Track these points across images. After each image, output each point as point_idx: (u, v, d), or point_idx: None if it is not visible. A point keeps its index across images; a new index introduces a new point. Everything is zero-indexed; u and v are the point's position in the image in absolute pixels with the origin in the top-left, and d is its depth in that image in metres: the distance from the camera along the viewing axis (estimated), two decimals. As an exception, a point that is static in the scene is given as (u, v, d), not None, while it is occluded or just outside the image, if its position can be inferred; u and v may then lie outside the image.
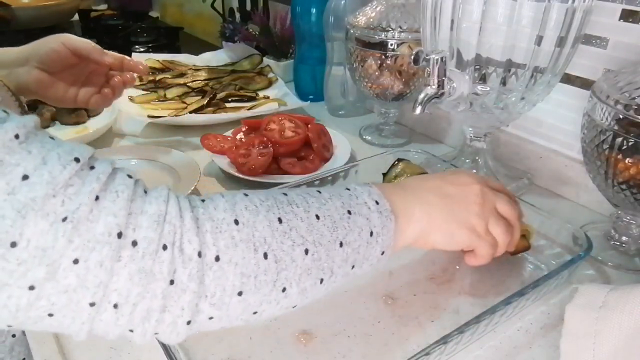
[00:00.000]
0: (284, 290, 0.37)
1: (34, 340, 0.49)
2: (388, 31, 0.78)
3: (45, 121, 0.89)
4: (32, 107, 0.91)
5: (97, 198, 0.30)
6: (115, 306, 0.31)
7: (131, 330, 0.33)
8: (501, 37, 0.59)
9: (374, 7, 0.81)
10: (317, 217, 0.38)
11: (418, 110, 0.59)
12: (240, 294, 0.34)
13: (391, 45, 0.78)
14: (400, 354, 0.47)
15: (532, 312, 0.53)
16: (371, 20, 0.80)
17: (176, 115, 0.94)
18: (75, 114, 0.91)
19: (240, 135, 0.83)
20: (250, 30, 1.28)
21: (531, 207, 0.61)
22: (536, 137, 0.77)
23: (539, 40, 0.58)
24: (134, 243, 0.31)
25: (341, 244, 0.39)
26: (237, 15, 1.44)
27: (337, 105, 1.02)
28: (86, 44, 0.69)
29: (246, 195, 0.38)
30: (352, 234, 0.40)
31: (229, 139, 0.82)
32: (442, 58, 0.58)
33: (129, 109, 0.97)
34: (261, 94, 1.07)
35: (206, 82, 1.09)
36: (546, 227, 0.60)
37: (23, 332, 0.61)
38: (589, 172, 0.59)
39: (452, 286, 0.56)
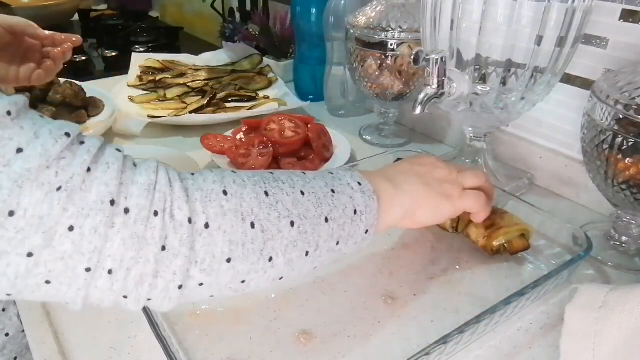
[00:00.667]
0: (270, 259, 0.38)
1: (34, 340, 0.49)
2: (388, 31, 0.78)
3: (45, 121, 0.89)
4: (33, 107, 0.91)
5: (88, 169, 0.31)
6: (110, 272, 0.32)
7: (125, 297, 0.34)
8: (501, 37, 0.59)
9: (374, 7, 0.81)
10: (302, 193, 0.40)
11: (418, 110, 0.59)
12: (229, 260, 0.35)
13: (391, 45, 0.78)
14: (400, 354, 0.47)
15: (532, 312, 0.53)
16: (371, 20, 0.80)
17: (176, 115, 0.94)
18: (75, 114, 0.91)
19: (240, 135, 0.83)
20: (250, 30, 1.28)
21: (531, 207, 0.61)
22: (536, 137, 0.77)
23: (539, 40, 0.58)
24: (126, 210, 0.32)
25: (326, 220, 0.40)
26: (237, 15, 1.44)
27: (337, 105, 1.02)
28: (19, 20, 0.70)
29: (234, 172, 0.39)
30: (337, 211, 0.41)
31: (229, 139, 0.82)
32: (442, 58, 0.58)
33: (129, 109, 0.97)
34: (261, 94, 1.07)
35: (206, 82, 1.09)
36: (546, 227, 0.60)
37: (21, 331, 0.61)
38: (589, 172, 0.59)
39: (452, 286, 0.56)
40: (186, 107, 0.98)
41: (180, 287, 0.34)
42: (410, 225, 0.49)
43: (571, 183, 0.72)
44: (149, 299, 0.34)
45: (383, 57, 0.79)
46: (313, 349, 0.47)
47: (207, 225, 0.34)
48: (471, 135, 0.74)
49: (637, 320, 0.41)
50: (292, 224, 0.38)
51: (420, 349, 0.42)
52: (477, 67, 0.63)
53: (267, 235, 0.37)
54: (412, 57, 0.59)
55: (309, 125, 0.82)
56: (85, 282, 0.32)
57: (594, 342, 0.42)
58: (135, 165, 0.35)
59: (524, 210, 0.61)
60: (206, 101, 0.99)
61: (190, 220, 0.34)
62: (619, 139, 0.52)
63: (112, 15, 1.73)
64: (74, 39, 0.75)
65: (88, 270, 0.31)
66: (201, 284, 0.35)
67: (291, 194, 0.39)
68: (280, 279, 0.40)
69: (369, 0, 0.84)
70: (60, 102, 0.92)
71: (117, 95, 1.02)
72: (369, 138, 0.91)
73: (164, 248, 0.33)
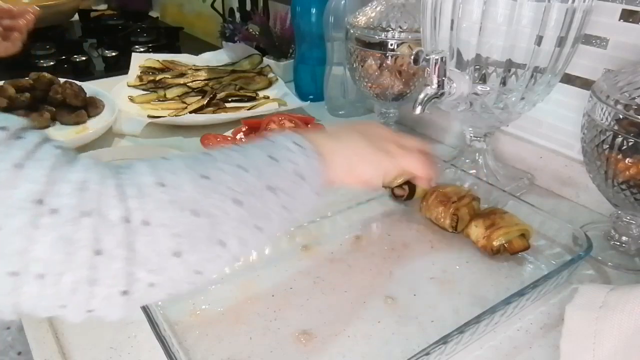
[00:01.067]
0: (222, 244, 0.36)
1: (34, 340, 0.49)
2: (388, 31, 0.78)
3: (45, 121, 0.89)
4: (33, 107, 0.91)
5: (20, 166, 0.29)
6: (40, 277, 0.30)
7: (63, 306, 0.31)
8: (501, 37, 0.59)
9: (374, 7, 0.81)
10: (241, 167, 0.38)
11: (418, 110, 0.59)
12: (177, 255, 0.33)
13: (391, 45, 0.78)
14: (400, 354, 0.47)
15: (532, 312, 0.53)
16: (371, 20, 0.80)
17: (176, 115, 0.94)
18: (75, 114, 0.91)
19: (240, 135, 0.83)
20: (250, 30, 1.28)
21: (531, 207, 0.61)
22: (536, 137, 0.77)
23: (539, 40, 0.58)
24: (54, 211, 0.29)
25: (271, 189, 0.39)
26: (237, 15, 1.44)
27: (337, 105, 1.01)
28: None
29: (166, 159, 0.37)
30: (279, 178, 0.40)
31: (229, 139, 0.82)
32: (442, 58, 0.58)
33: (129, 109, 0.97)
34: (261, 94, 1.07)
35: (206, 82, 1.09)
36: (546, 227, 0.60)
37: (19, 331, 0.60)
38: (589, 172, 0.59)
39: (452, 286, 0.56)
40: (186, 107, 0.98)
41: (124, 292, 0.32)
42: (353, 182, 0.47)
43: (571, 183, 0.72)
44: (90, 310, 0.32)
45: (383, 57, 0.79)
46: (313, 349, 0.47)
47: (145, 222, 0.32)
48: (471, 135, 0.74)
49: (637, 320, 0.41)
50: (238, 202, 0.36)
51: (420, 349, 0.42)
52: (477, 67, 0.63)
53: (214, 220, 0.35)
54: (412, 57, 0.59)
55: (309, 125, 0.82)
56: (13, 288, 0.29)
57: (594, 342, 0.42)
58: (73, 161, 0.32)
59: (524, 210, 0.61)
60: (206, 101, 0.99)
61: (125, 219, 0.31)
62: (619, 139, 0.52)
63: (112, 15, 1.73)
64: (31, 11, 0.79)
65: (14, 274, 0.29)
66: (152, 285, 0.33)
67: (230, 171, 0.37)
68: (239, 261, 0.39)
69: (369, 0, 0.84)
70: (60, 102, 0.92)
71: (117, 95, 1.02)
72: (369, 138, 0.91)
73: (98, 252, 0.30)
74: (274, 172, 0.39)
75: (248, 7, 1.39)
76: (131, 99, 1.01)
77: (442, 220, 0.64)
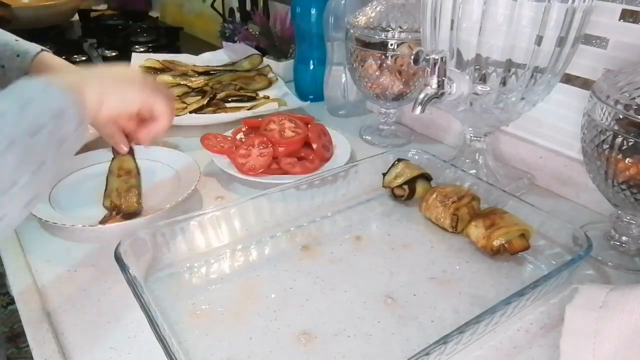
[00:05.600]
0: (5, 193, 0.38)
1: (34, 340, 0.49)
2: (388, 31, 0.78)
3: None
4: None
5: None
6: None
7: None
8: (501, 37, 0.59)
9: (374, 7, 0.81)
10: None
11: (418, 110, 0.59)
12: None
13: (391, 45, 0.78)
14: (400, 354, 0.47)
15: (532, 312, 0.53)
16: (371, 20, 0.80)
17: (176, 115, 0.94)
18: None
19: (240, 135, 0.83)
20: (250, 30, 1.28)
21: (531, 207, 0.61)
22: (536, 137, 0.77)
23: (539, 40, 0.58)
24: None
25: (33, 134, 0.40)
26: (237, 15, 1.44)
27: (337, 105, 1.02)
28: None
29: None
30: (38, 121, 0.41)
31: (229, 139, 0.82)
32: (442, 58, 0.58)
33: (129, 109, 0.97)
34: (261, 94, 1.07)
35: (206, 82, 1.09)
36: (546, 227, 0.60)
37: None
38: (589, 172, 0.59)
39: (452, 286, 0.56)
40: (186, 107, 0.98)
41: None
42: (105, 115, 0.49)
43: (571, 183, 0.72)
44: None
45: (383, 57, 0.79)
46: (313, 349, 0.47)
47: None
48: (471, 135, 0.74)
49: (637, 320, 0.41)
50: (5, 154, 0.38)
51: (420, 349, 0.42)
52: (477, 67, 0.63)
53: None
54: (412, 57, 0.59)
55: (309, 125, 0.82)
56: None
57: (594, 342, 0.42)
58: None
59: (524, 210, 0.61)
60: (206, 101, 0.99)
61: None
62: (619, 139, 0.52)
63: (112, 15, 1.73)
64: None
65: None
66: None
67: None
68: (30, 204, 0.41)
69: (369, 0, 0.84)
70: (60, 102, 0.92)
71: (117, 95, 1.01)
72: (369, 138, 0.91)
73: None
74: (31, 118, 0.40)
75: (248, 7, 1.39)
76: (131, 99, 1.01)
77: (442, 220, 0.64)
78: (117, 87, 0.51)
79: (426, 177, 0.70)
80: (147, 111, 0.56)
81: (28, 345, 0.48)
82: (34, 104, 0.41)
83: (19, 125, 0.39)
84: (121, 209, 0.66)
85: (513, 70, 0.62)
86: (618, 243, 0.62)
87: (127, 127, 0.60)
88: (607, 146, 0.53)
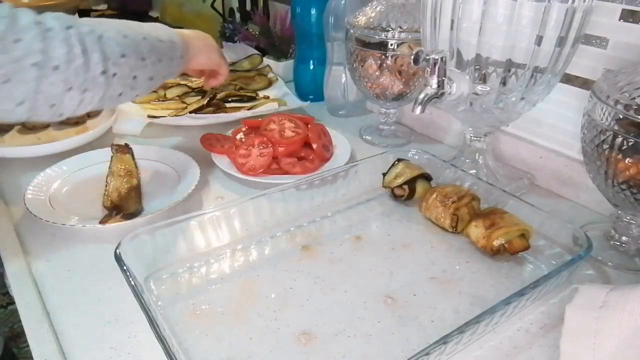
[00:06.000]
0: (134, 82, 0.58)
1: (34, 340, 0.49)
2: (388, 31, 0.78)
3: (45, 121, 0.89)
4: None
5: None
6: (56, 67, 0.49)
7: (69, 89, 0.51)
8: (501, 37, 0.59)
9: (374, 7, 0.81)
10: (145, 38, 0.59)
11: (418, 110, 0.59)
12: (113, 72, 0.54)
13: (391, 45, 0.78)
14: (400, 354, 0.47)
15: (532, 312, 0.53)
16: (371, 20, 0.80)
17: (176, 115, 0.94)
18: (75, 114, 0.91)
19: (240, 135, 0.83)
20: (250, 30, 1.28)
21: (531, 207, 0.61)
22: (536, 137, 0.77)
23: (539, 40, 0.58)
24: (49, 29, 0.49)
25: (159, 60, 0.61)
26: (237, 15, 1.44)
27: (337, 105, 1.02)
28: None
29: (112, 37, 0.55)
30: (159, 37, 0.62)
31: (229, 139, 0.82)
32: (442, 58, 0.58)
33: (129, 109, 0.97)
34: (261, 94, 1.07)
35: (206, 82, 1.09)
36: (546, 227, 0.60)
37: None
38: (589, 172, 0.59)
39: (452, 286, 0.56)
40: (186, 107, 0.98)
41: (102, 72, 0.53)
42: (194, 65, 0.73)
43: (571, 183, 0.72)
44: (85, 89, 0.52)
45: (383, 57, 0.79)
46: (313, 349, 0.47)
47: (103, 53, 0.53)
48: (471, 135, 0.74)
49: (637, 320, 0.41)
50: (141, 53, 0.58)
51: (420, 349, 0.42)
52: (477, 67, 0.63)
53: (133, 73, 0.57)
54: (412, 57, 0.59)
55: (309, 125, 0.82)
56: (37, 76, 0.48)
57: (594, 342, 0.42)
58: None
59: (524, 210, 0.61)
60: (206, 101, 0.99)
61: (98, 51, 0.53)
62: (619, 139, 0.51)
63: (112, 15, 1.73)
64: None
65: (36, 65, 0.47)
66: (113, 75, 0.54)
67: (136, 41, 0.57)
68: (140, 93, 0.60)
69: (369, 0, 0.84)
70: (60, 102, 0.92)
71: (117, 95, 1.01)
72: (369, 138, 0.91)
73: (84, 51, 0.51)
74: (160, 50, 0.61)
75: (248, 7, 1.39)
76: (131, 99, 1.01)
77: (442, 220, 0.64)
78: (206, 50, 0.74)
79: (426, 177, 0.70)
80: (216, 67, 0.78)
81: (28, 345, 0.48)
82: (161, 30, 0.63)
83: (148, 37, 0.59)
84: (121, 209, 0.66)
85: (513, 70, 0.62)
86: (618, 243, 0.62)
87: (201, 74, 0.83)
88: (607, 146, 0.53)
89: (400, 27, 0.78)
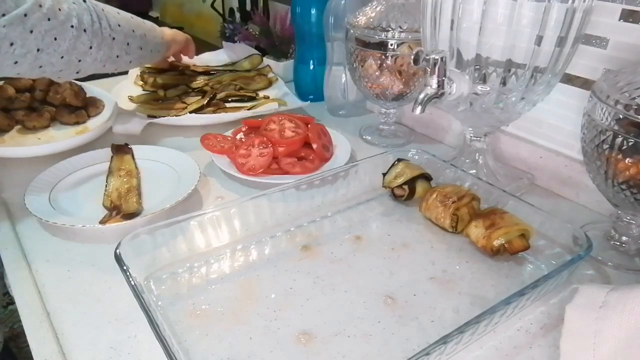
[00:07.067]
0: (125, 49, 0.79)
1: (34, 340, 0.49)
2: (388, 31, 0.78)
3: (45, 121, 0.89)
4: (33, 107, 0.91)
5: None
6: (83, 30, 0.69)
7: (90, 47, 0.71)
8: (501, 37, 0.59)
9: (374, 7, 0.81)
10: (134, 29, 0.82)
11: (418, 110, 0.59)
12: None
13: (391, 45, 0.78)
14: (400, 354, 0.47)
15: (532, 312, 0.53)
16: (371, 20, 0.80)
17: (176, 115, 0.94)
18: (75, 114, 0.91)
19: (240, 135, 0.83)
20: (250, 30, 1.28)
21: (531, 207, 0.61)
22: (536, 137, 0.77)
23: (539, 40, 0.58)
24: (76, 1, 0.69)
25: (145, 35, 0.85)
26: (237, 15, 1.44)
27: (337, 105, 1.02)
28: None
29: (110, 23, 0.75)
30: (144, 27, 0.86)
31: (229, 139, 0.82)
32: (442, 58, 0.58)
33: (129, 109, 0.97)
34: (261, 94, 1.07)
35: (206, 82, 1.09)
36: (546, 227, 0.60)
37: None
38: (589, 172, 0.59)
39: (452, 286, 0.56)
40: (186, 107, 0.98)
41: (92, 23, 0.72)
42: (170, 52, 0.98)
43: (571, 183, 0.72)
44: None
45: (383, 57, 0.79)
46: (313, 349, 0.47)
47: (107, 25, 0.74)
48: (471, 135, 0.74)
49: (637, 320, 0.41)
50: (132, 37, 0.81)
51: (420, 349, 0.42)
52: (477, 67, 0.63)
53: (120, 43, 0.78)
54: (412, 57, 0.59)
55: (309, 125, 0.82)
56: (75, 35, 0.68)
57: (594, 341, 0.42)
58: None
59: (524, 210, 0.61)
60: (206, 101, 0.99)
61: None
62: (619, 139, 0.52)
63: (112, 15, 1.73)
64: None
65: (72, 26, 0.67)
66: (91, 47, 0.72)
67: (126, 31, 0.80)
68: (132, 59, 0.82)
69: (369, 0, 0.84)
70: (60, 102, 0.92)
71: (117, 95, 1.02)
72: (369, 138, 0.91)
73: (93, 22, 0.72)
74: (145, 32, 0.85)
75: (248, 7, 1.39)
76: (131, 99, 1.01)
77: (442, 220, 0.64)
78: (176, 41, 0.98)
79: (426, 177, 0.70)
80: (184, 50, 1.04)
81: (28, 345, 0.48)
82: (146, 23, 0.85)
83: (134, 17, 0.83)
84: (121, 209, 0.66)
85: (513, 70, 0.62)
86: (618, 243, 0.62)
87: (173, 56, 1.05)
88: (607, 146, 0.53)
89: (400, 27, 0.78)
